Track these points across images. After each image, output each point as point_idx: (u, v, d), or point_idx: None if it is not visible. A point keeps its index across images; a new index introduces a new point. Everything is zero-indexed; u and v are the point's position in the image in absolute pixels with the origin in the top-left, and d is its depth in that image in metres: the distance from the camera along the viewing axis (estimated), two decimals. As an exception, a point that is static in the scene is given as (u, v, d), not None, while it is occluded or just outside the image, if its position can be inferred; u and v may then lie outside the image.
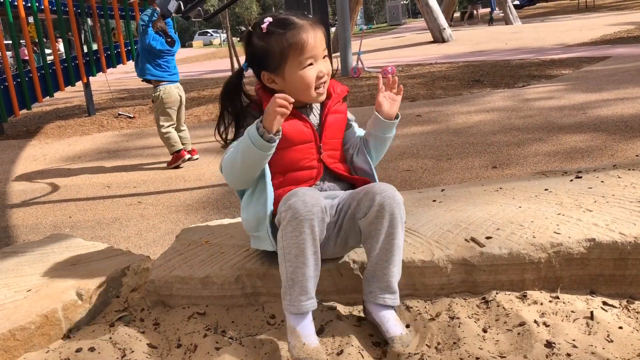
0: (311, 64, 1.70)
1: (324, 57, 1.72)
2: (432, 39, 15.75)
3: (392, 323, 1.59)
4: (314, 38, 1.67)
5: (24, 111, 7.69)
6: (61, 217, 3.92)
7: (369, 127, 1.84)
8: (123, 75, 16.32)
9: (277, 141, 1.61)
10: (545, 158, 4.09)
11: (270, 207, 1.67)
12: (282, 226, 1.54)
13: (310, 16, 1.75)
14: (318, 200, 1.55)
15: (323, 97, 1.77)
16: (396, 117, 1.82)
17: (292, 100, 1.57)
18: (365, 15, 45.47)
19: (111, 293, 1.93)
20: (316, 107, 1.83)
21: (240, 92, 1.79)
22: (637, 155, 3.87)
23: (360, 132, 1.92)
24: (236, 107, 1.78)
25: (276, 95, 1.56)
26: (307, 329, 1.53)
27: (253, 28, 1.73)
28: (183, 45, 41.55)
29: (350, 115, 1.91)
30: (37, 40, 8.36)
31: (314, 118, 1.81)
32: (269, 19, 1.68)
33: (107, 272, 1.95)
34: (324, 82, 1.74)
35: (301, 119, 1.76)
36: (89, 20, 9.35)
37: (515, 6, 24.99)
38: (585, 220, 1.88)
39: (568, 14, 24.83)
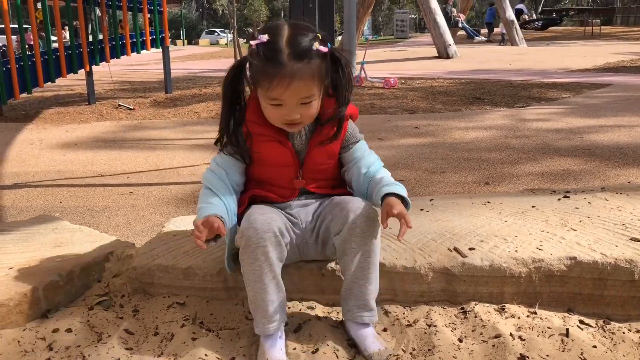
0: (279, 104, 1.55)
1: (304, 103, 1.55)
2: (437, 54, 15.82)
3: (370, 340, 1.62)
4: (285, 88, 1.50)
5: (25, 95, 7.69)
6: (52, 202, 3.92)
7: (372, 193, 1.68)
8: (126, 67, 16.34)
9: (219, 240, 1.59)
10: (538, 178, 4.11)
11: (231, 242, 1.69)
12: (240, 253, 1.57)
13: (315, 47, 1.51)
14: (270, 225, 1.53)
15: (296, 130, 1.64)
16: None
17: (219, 231, 1.52)
18: (373, 26, 45.66)
19: (93, 277, 1.94)
20: (306, 130, 1.68)
21: (240, 83, 1.64)
22: (628, 182, 3.90)
23: (362, 154, 1.74)
24: (234, 98, 1.66)
25: (196, 222, 1.53)
26: (273, 347, 1.57)
27: (252, 35, 1.57)
28: (190, 43, 41.57)
29: (353, 133, 1.74)
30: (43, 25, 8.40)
31: (299, 142, 1.69)
32: (263, 38, 1.51)
33: (90, 256, 1.96)
34: (297, 124, 1.60)
35: (282, 142, 1.66)
36: (97, 9, 9.38)
37: (535, 27, 25.10)
38: (569, 239, 1.90)
39: (574, 40, 24.97)
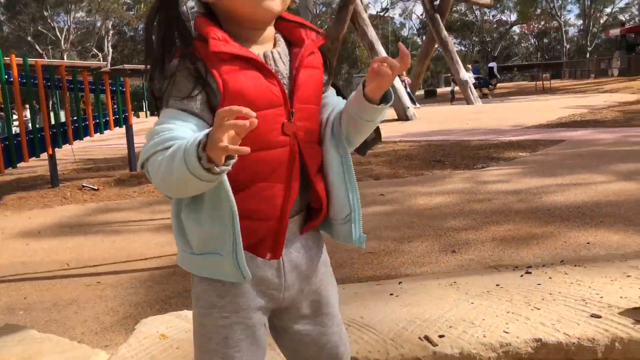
0: None
1: None
2: (396, 117, 16.27)
3: None
4: None
5: (-15, 181, 7.59)
6: (16, 298, 3.83)
7: (350, 106, 1.28)
8: (89, 144, 16.28)
9: (229, 168, 1.07)
10: (502, 244, 4.22)
11: (236, 218, 1.16)
12: None
13: None
14: None
15: (277, 5, 1.21)
16: (383, 101, 1.25)
17: (253, 114, 1.01)
18: (333, 90, 46.78)
19: (63, 391, 1.90)
20: (282, 53, 1.26)
21: (176, 18, 1.19)
22: (588, 242, 4.03)
23: (338, 99, 1.38)
24: (167, 42, 1.18)
25: (225, 109, 1.01)
26: None
27: None
28: (152, 113, 41.84)
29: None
30: (2, 106, 8.39)
31: (282, 69, 1.25)
32: None
33: (59, 369, 1.92)
34: None
35: (262, 69, 1.20)
36: (57, 92, 9.43)
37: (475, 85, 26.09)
38: (533, 319, 1.96)
39: (526, 95, 26.02)
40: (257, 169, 1.20)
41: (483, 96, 24.19)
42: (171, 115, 1.16)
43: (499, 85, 29.45)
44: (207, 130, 1.05)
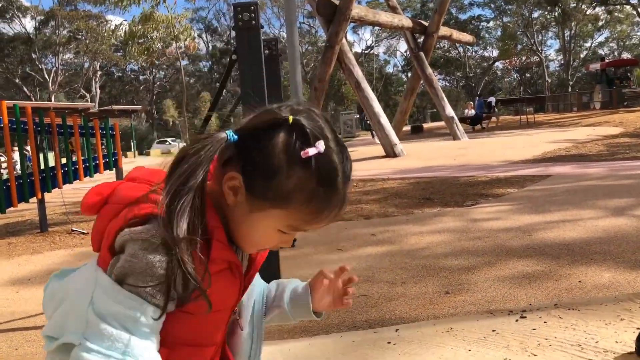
0: (287, 233, 1.12)
1: None
2: (384, 154, 16.41)
3: None
4: (330, 220, 1.13)
5: (-27, 228, 7.53)
6: (7, 350, 3.78)
7: (286, 306, 1.31)
8: (78, 185, 16.22)
9: None
10: (495, 283, 4.24)
11: None
12: None
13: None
14: None
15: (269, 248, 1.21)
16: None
17: None
18: (321, 127, 47.15)
19: None
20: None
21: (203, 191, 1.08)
22: (579, 281, 4.06)
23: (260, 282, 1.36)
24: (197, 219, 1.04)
25: None
26: None
27: (297, 129, 1.07)
28: (140, 153, 41.91)
29: None
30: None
31: (243, 264, 1.22)
32: (321, 147, 1.06)
33: None
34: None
35: (238, 275, 1.14)
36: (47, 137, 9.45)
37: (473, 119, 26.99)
38: (531, 367, 1.98)
39: (511, 130, 26.38)
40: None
41: (473, 130, 25.02)
42: (155, 329, 1.03)
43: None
44: None
